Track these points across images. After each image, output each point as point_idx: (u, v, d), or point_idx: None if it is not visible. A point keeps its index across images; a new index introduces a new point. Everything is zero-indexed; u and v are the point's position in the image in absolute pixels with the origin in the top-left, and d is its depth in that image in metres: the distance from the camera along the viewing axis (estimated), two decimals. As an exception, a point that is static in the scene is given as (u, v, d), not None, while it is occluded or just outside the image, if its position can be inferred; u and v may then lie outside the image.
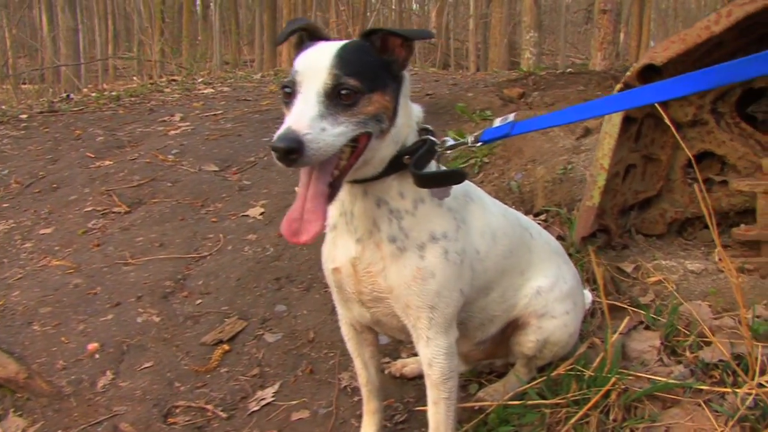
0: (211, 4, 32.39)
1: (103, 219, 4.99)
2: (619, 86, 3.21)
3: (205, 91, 10.09)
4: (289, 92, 1.92)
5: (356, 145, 1.93)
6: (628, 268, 3.38)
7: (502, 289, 2.55)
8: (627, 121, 3.23)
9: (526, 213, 3.94)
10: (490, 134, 2.21)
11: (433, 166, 2.16)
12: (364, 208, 2.17)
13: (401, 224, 2.15)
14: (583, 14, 36.34)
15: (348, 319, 2.54)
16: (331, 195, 1.93)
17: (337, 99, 1.86)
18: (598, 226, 3.46)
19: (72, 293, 3.99)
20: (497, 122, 2.21)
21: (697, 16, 38.45)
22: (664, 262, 3.37)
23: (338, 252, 2.29)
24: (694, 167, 3.65)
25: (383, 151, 2.04)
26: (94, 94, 10.80)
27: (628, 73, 3.28)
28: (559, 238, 3.53)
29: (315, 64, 1.89)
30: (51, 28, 26.02)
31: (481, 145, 2.26)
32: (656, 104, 3.44)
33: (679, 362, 2.77)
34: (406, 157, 2.09)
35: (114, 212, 5.08)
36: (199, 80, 11.77)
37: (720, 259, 3.33)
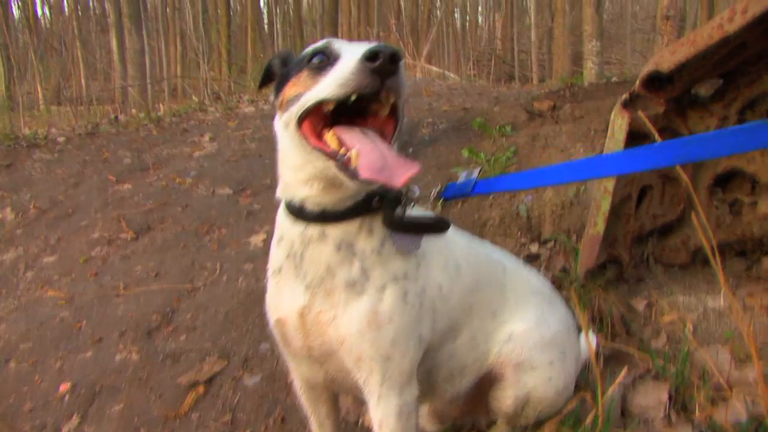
0: (276, 21, 32.77)
1: (107, 246, 4.82)
2: (624, 96, 2.83)
3: (246, 110, 9.93)
4: (321, 61, 1.75)
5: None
6: (639, 305, 2.98)
7: (471, 332, 2.19)
8: (634, 137, 2.84)
9: (533, 240, 3.58)
10: (451, 191, 2.02)
11: (416, 191, 1.99)
12: (319, 253, 1.89)
13: (364, 265, 1.88)
14: (650, 22, 35.46)
15: (299, 373, 2.24)
16: None
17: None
18: (608, 256, 3.06)
19: (56, 327, 3.81)
20: (462, 176, 2.03)
21: None
22: (681, 298, 2.95)
23: (283, 300, 2.00)
24: (719, 187, 3.25)
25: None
26: (142, 115, 10.79)
27: (637, 81, 2.90)
28: (564, 270, 3.17)
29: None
30: (120, 50, 26.61)
31: (442, 201, 2.05)
32: (672, 116, 3.06)
33: (690, 420, 2.36)
34: (376, 199, 1.86)
35: (120, 239, 4.91)
36: (245, 98, 11.65)
37: (750, 294, 2.91)
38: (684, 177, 2.96)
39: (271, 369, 3.25)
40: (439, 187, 2.02)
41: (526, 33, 32.10)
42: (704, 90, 3.28)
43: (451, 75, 15.07)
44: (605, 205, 2.85)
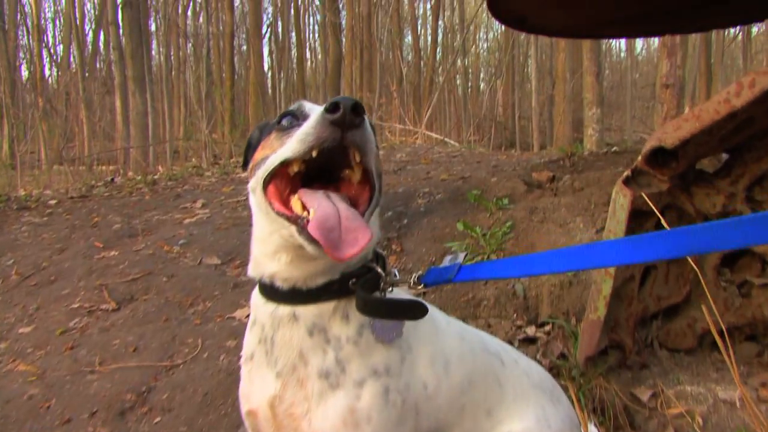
0: (280, 85, 33.08)
1: (87, 317, 4.61)
2: (626, 173, 2.67)
3: (243, 175, 9.82)
4: (290, 122, 1.68)
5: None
6: (644, 395, 2.75)
7: None
8: (638, 215, 2.67)
9: (529, 323, 3.37)
10: (433, 276, 1.84)
11: (396, 275, 1.84)
12: (290, 337, 1.73)
13: (339, 355, 1.71)
14: (650, 89, 35.81)
15: None
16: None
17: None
18: (609, 341, 2.86)
19: (23, 406, 3.58)
20: (446, 261, 1.86)
21: None
22: (689, 388, 2.73)
23: (254, 390, 1.82)
24: (727, 268, 3.07)
25: None
26: (138, 177, 10.68)
27: (639, 157, 2.74)
28: (562, 356, 2.96)
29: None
30: (124, 111, 26.83)
31: (423, 287, 1.87)
32: (677, 193, 2.90)
33: None
34: (353, 280, 1.72)
35: (101, 309, 4.71)
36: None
37: (763, 384, 2.70)
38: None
39: (248, 458, 3.03)
40: (420, 271, 1.85)
41: (527, 99, 32.36)
42: (709, 165, 3.13)
43: (451, 142, 15.02)
44: (606, 289, 2.66)
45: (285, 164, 1.60)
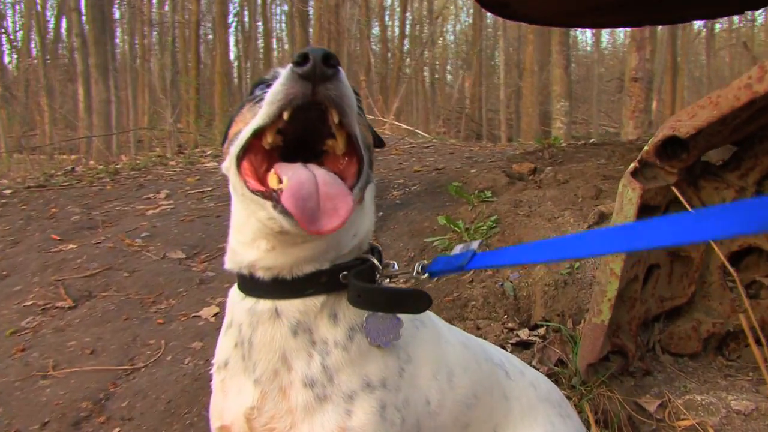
0: (246, 75, 32.60)
1: (41, 316, 4.29)
2: (633, 165, 2.44)
3: (208, 165, 9.50)
4: (263, 91, 1.40)
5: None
6: (651, 405, 2.53)
7: None
8: (645, 210, 2.44)
9: (521, 325, 3.14)
10: (440, 264, 1.58)
11: (395, 267, 1.66)
12: (271, 337, 1.48)
13: (326, 362, 1.46)
14: (616, 83, 36.06)
15: None
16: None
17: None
18: (611, 346, 2.63)
19: (-33, 417, 3.27)
20: (457, 249, 1.60)
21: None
22: (699, 397, 2.50)
23: (228, 402, 1.56)
24: (733, 266, 2.86)
25: (341, 235, 1.53)
26: (100, 167, 10.30)
27: (646, 148, 2.51)
28: (560, 362, 2.73)
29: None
30: (86, 99, 26.31)
31: (427, 277, 1.60)
32: (684, 187, 2.68)
33: None
34: (344, 273, 1.50)
35: (56, 308, 4.39)
36: (208, 152, 11.19)
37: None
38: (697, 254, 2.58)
39: (216, 474, 2.76)
40: (425, 260, 1.62)
41: (495, 92, 32.33)
42: (714, 157, 2.92)
43: (422, 133, 14.81)
44: (612, 291, 2.43)
45: (258, 136, 1.39)
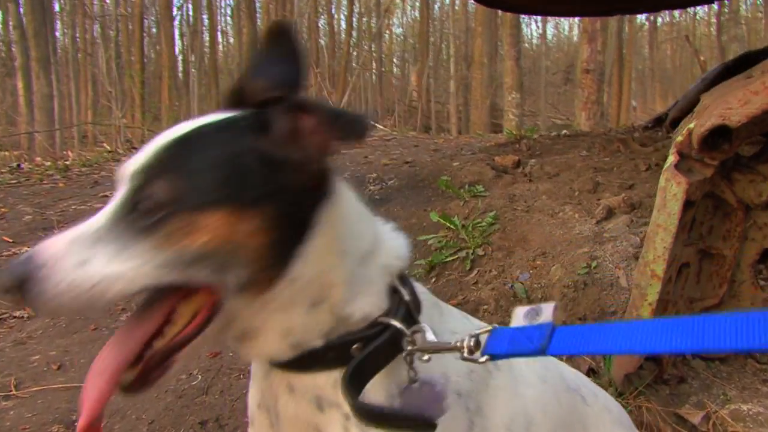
0: (192, 69, 31.95)
1: (-3, 327, 3.94)
2: (673, 158, 2.24)
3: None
4: None
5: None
6: (694, 417, 2.33)
7: None
8: (685, 206, 2.25)
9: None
10: (504, 342, 1.16)
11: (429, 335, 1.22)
12: (296, 412, 1.23)
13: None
14: (562, 75, 36.42)
15: None
16: (139, 381, 1.12)
17: (137, 215, 1.08)
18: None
19: None
20: (520, 315, 1.19)
21: (673, 77, 38.65)
22: (744, 407, 2.32)
23: None
24: (763, 264, 2.69)
25: (280, 320, 1.17)
26: (48, 163, 9.82)
27: (678, 138, 2.31)
28: (592, 372, 2.53)
29: (132, 160, 1.15)
30: (27, 94, 25.57)
31: (487, 359, 1.17)
32: (717, 180, 2.49)
33: None
34: (355, 346, 1.19)
35: (15, 317, 4.03)
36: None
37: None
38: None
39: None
40: (479, 329, 1.19)
41: (442, 85, 32.31)
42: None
43: (380, 126, 14.58)
44: (653, 294, 2.23)
45: None
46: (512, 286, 3.14)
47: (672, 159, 2.23)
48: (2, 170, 9.38)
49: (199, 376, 3.17)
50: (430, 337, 1.21)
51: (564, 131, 8.36)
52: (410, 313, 1.25)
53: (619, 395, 2.39)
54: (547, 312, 1.16)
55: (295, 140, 1.11)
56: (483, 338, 1.18)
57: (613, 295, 2.90)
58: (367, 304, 1.22)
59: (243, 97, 1.21)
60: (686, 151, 2.30)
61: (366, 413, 1.11)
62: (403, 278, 1.31)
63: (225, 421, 2.88)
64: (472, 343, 1.17)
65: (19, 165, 10.04)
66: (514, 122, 18.03)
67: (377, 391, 1.19)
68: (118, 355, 1.10)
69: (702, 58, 20.72)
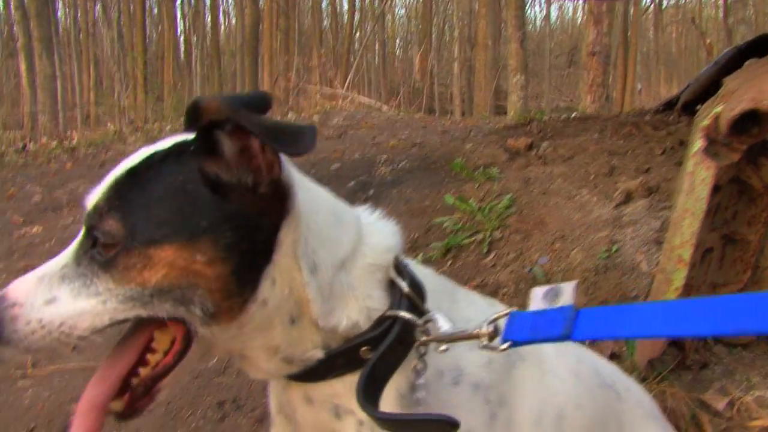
0: (194, 50, 31.80)
1: (11, 308, 3.93)
2: (701, 143, 2.22)
3: (170, 141, 9.08)
4: None
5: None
6: (718, 403, 2.32)
7: None
8: (712, 191, 2.23)
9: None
10: (526, 328, 1.12)
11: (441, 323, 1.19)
12: (314, 420, 1.25)
13: None
14: (565, 58, 36.28)
15: None
16: (128, 410, 1.15)
17: (97, 252, 1.11)
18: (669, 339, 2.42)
19: (-61, 425, 2.94)
20: (538, 296, 1.15)
21: (677, 60, 38.48)
22: (768, 394, 2.32)
23: None
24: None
25: (261, 340, 1.18)
26: (54, 144, 9.79)
27: (704, 122, 2.28)
28: (614, 356, 2.52)
29: (91, 194, 1.18)
30: (29, 75, 25.51)
31: (509, 346, 1.13)
32: (742, 164, 2.47)
33: None
34: (364, 348, 1.18)
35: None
36: (167, 128, 10.74)
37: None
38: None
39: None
40: (495, 313, 1.15)
41: (446, 67, 32.18)
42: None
43: (385, 107, 14.52)
44: (679, 279, 2.22)
45: None
46: (531, 270, 3.13)
47: (700, 143, 2.21)
48: (9, 150, 9.37)
49: (216, 357, 3.17)
50: (444, 325, 1.19)
51: (574, 113, 8.31)
52: (414, 303, 1.23)
53: (642, 380, 2.38)
54: (567, 293, 1.12)
55: (243, 162, 1.10)
56: (501, 324, 1.15)
57: (635, 280, 2.89)
58: (354, 311, 1.20)
59: (199, 116, 1.16)
60: (713, 136, 2.27)
61: (384, 421, 1.10)
62: (400, 268, 1.28)
63: (242, 401, 2.88)
64: (490, 329, 1.14)
65: (24, 146, 10.01)
66: (518, 105, 17.93)
67: (387, 390, 1.18)
68: (101, 392, 1.12)
69: (708, 41, 20.65)
